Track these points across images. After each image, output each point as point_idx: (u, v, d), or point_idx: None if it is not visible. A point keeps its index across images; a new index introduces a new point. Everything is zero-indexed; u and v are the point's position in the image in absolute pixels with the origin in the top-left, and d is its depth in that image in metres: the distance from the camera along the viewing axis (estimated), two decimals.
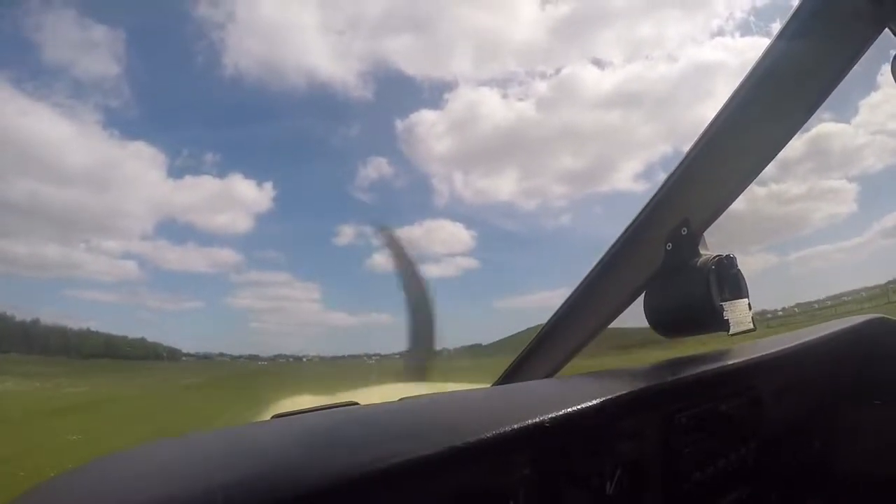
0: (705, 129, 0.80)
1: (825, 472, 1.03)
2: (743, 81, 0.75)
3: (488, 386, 1.01)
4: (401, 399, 0.67)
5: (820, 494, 1.02)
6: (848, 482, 1.04)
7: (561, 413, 0.57)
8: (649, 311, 0.90)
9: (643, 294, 0.91)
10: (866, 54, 0.70)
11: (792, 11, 0.70)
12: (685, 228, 0.86)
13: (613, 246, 0.93)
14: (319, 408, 0.63)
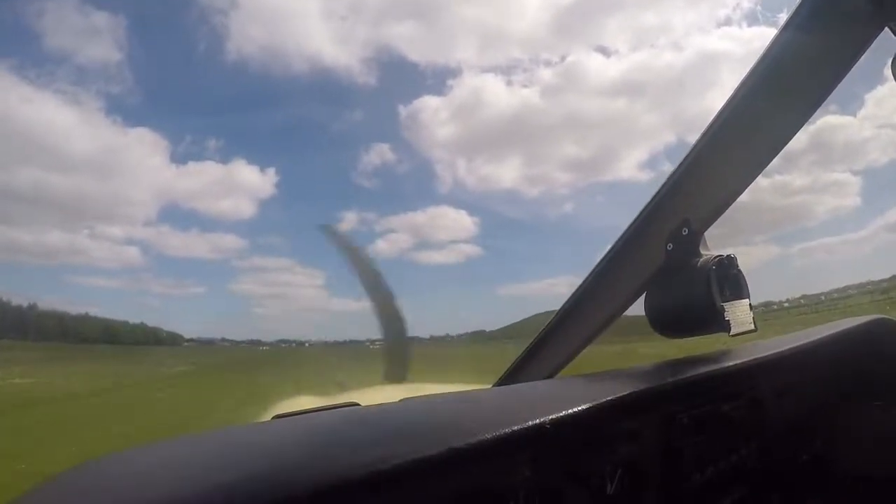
0: (705, 129, 0.81)
1: (825, 473, 1.03)
2: (741, 83, 0.75)
3: (489, 386, 1.01)
4: (401, 399, 0.67)
5: (820, 494, 1.02)
6: (848, 482, 1.04)
7: (561, 414, 0.57)
8: (650, 312, 0.90)
9: (644, 294, 0.91)
10: (873, 47, 0.70)
11: (791, 11, 0.70)
12: (686, 228, 0.86)
13: (614, 246, 0.93)
14: (320, 408, 0.63)
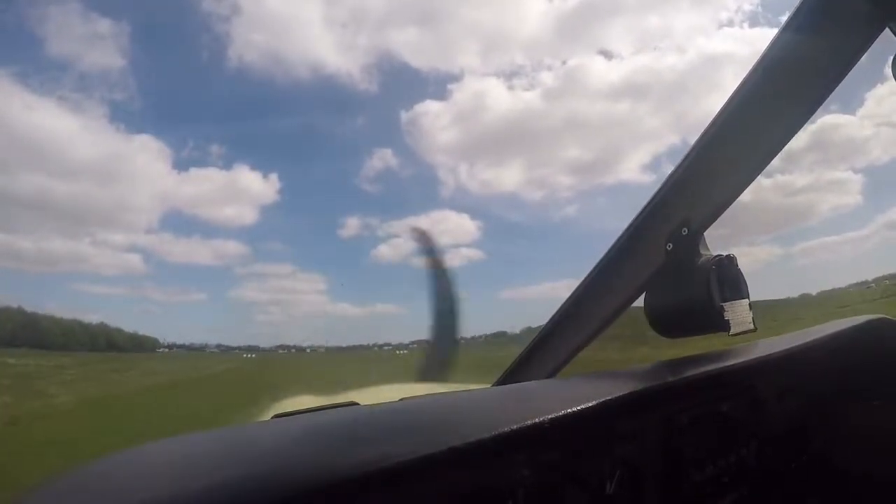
0: (705, 129, 0.81)
1: (825, 473, 1.03)
2: (741, 83, 0.75)
3: (488, 386, 1.01)
4: (401, 399, 0.67)
5: (820, 494, 1.02)
6: (848, 482, 1.04)
7: (561, 413, 0.57)
8: (650, 312, 0.90)
9: (643, 294, 0.91)
10: (873, 46, 0.70)
11: (791, 12, 0.70)
12: (686, 228, 0.86)
13: (614, 246, 0.93)
14: (320, 408, 0.63)
